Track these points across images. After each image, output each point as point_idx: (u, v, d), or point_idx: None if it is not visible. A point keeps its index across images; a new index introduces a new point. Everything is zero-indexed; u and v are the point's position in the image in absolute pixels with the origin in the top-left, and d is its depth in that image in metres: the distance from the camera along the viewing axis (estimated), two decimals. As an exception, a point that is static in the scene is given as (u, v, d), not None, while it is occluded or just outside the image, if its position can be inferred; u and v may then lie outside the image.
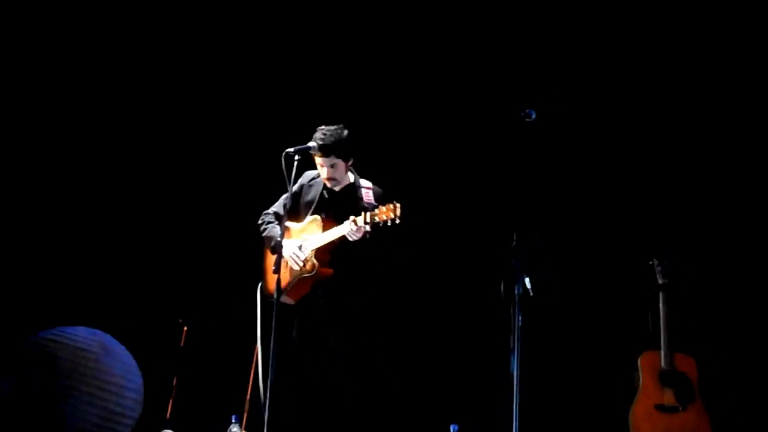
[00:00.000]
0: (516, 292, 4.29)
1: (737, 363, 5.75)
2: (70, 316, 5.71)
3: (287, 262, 4.86)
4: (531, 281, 4.32)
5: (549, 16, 6.18)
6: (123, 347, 5.54)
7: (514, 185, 5.60)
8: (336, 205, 4.97)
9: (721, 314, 5.82)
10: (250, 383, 5.30)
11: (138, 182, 6.39)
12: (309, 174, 5.09)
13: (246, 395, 5.36)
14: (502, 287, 4.37)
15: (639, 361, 5.42)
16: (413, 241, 5.62)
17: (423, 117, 6.27)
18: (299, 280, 4.89)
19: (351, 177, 5.04)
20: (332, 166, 4.91)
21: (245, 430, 5.19)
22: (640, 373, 5.39)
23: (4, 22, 6.20)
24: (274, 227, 5.01)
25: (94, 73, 6.38)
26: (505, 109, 5.28)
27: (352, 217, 4.71)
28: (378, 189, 5.06)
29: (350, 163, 5.00)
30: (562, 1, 6.19)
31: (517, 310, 4.25)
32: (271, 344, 4.42)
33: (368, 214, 4.66)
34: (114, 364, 5.42)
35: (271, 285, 4.92)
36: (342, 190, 5.01)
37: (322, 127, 4.93)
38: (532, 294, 4.29)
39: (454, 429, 4.97)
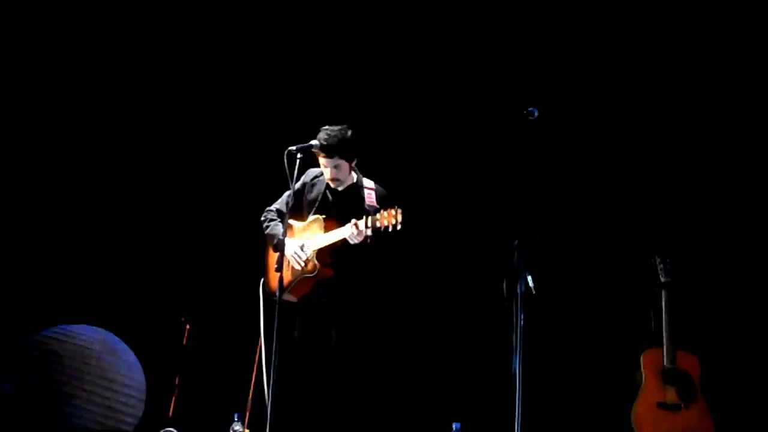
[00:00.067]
0: (518, 290, 4.29)
1: (739, 361, 5.74)
2: (72, 314, 5.72)
3: (289, 261, 4.86)
4: (533, 279, 4.32)
5: (549, 16, 6.18)
6: (125, 345, 5.55)
7: (516, 184, 5.60)
8: (338, 205, 4.97)
9: (723, 312, 5.82)
10: (253, 381, 5.30)
11: (140, 181, 6.39)
12: (312, 172, 5.07)
13: (248, 393, 5.36)
14: (504, 285, 4.37)
15: (641, 359, 5.42)
16: (413, 241, 5.62)
17: (423, 116, 6.26)
18: (300, 279, 4.89)
19: (354, 176, 5.03)
20: (336, 166, 4.90)
21: (248, 428, 5.19)
22: (643, 371, 5.39)
23: (4, 22, 6.20)
24: (277, 225, 5.01)
25: (97, 73, 6.37)
26: (505, 108, 5.29)
27: (353, 221, 4.70)
28: (381, 189, 5.05)
29: (354, 163, 5.00)
30: (563, 1, 6.18)
31: (519, 309, 4.25)
32: (274, 342, 4.42)
33: (370, 218, 4.65)
34: (116, 362, 5.44)
35: (273, 282, 4.92)
36: (345, 189, 5.00)
37: (326, 127, 4.91)
38: (534, 292, 4.29)
39: (456, 427, 4.96)
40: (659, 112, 6.07)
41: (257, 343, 5.05)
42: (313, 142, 4.79)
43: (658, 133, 6.06)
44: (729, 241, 5.90)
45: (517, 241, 4.38)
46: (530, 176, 5.61)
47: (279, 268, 4.57)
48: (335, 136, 4.85)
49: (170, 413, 5.81)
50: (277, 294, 4.54)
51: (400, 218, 4.56)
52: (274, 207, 5.14)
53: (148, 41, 6.40)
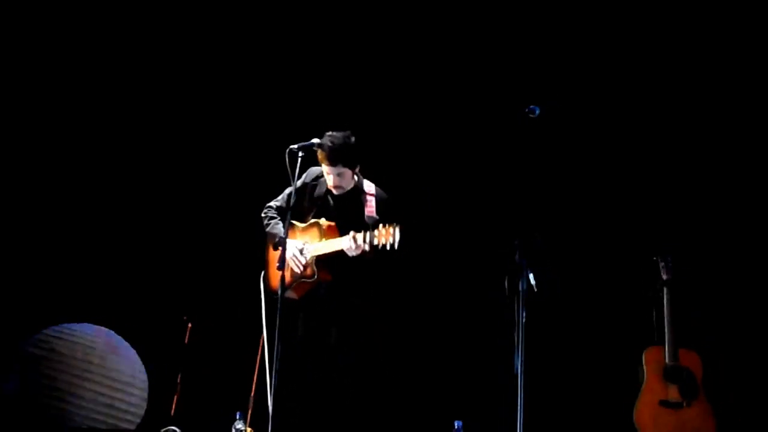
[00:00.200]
0: (520, 288, 4.28)
1: (741, 358, 5.74)
2: (75, 313, 5.73)
3: (288, 263, 4.85)
4: (534, 277, 4.32)
5: (551, 15, 6.17)
6: (128, 344, 5.56)
7: (518, 183, 5.60)
8: (338, 210, 4.95)
9: (724, 310, 5.82)
10: (255, 380, 5.30)
11: (142, 180, 6.39)
12: (313, 171, 5.05)
13: (250, 392, 5.37)
14: (506, 284, 4.36)
15: (643, 356, 5.42)
16: (414, 240, 5.62)
17: (423, 115, 6.26)
18: (299, 282, 4.89)
19: (355, 179, 5.01)
20: (339, 174, 4.88)
21: (250, 426, 5.19)
22: (645, 369, 5.39)
23: (4, 22, 6.20)
24: (277, 224, 5.01)
25: (100, 74, 6.38)
26: (506, 107, 5.29)
27: (352, 233, 4.68)
28: (381, 193, 5.03)
29: (357, 169, 4.99)
30: (565, 1, 6.19)
31: (521, 307, 4.24)
32: (276, 341, 4.41)
33: (368, 234, 4.63)
34: (119, 361, 5.44)
35: (274, 280, 4.93)
36: (345, 194, 4.99)
37: (330, 133, 4.87)
38: (536, 290, 4.29)
39: (458, 425, 4.97)
40: (660, 111, 6.07)
41: (259, 342, 5.05)
42: (315, 140, 4.77)
43: (660, 132, 6.06)
44: (731, 239, 5.90)
45: (518, 240, 4.38)
46: (532, 175, 5.61)
47: (281, 267, 4.57)
48: (339, 143, 4.82)
49: (172, 412, 5.80)
50: (279, 293, 4.54)
51: (397, 237, 4.54)
52: (273, 204, 5.13)
53: (149, 41, 6.41)
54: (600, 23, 6.12)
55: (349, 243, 4.68)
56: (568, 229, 5.97)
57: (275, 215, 5.07)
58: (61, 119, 6.34)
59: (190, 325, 6.00)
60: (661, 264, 5.57)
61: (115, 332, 5.58)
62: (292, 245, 4.86)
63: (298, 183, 4.90)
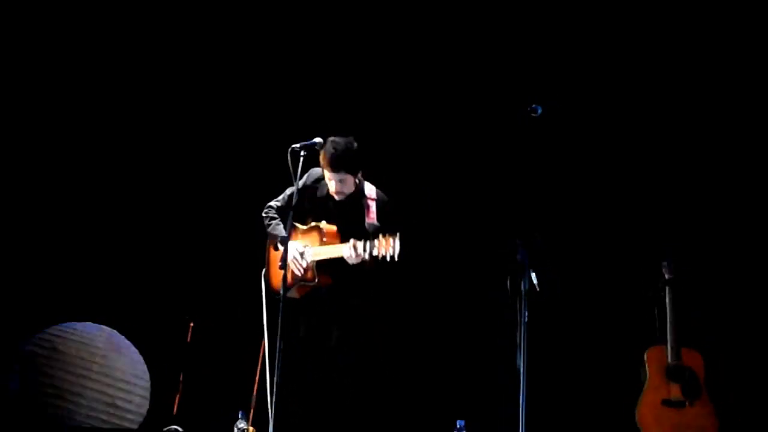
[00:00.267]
0: (522, 287, 4.28)
1: (744, 358, 5.74)
2: (77, 312, 5.73)
3: (290, 265, 4.85)
4: (537, 277, 4.32)
5: (553, 14, 6.17)
6: (130, 343, 5.56)
7: (520, 183, 5.60)
8: (339, 214, 4.94)
9: (727, 309, 5.81)
10: (257, 379, 5.30)
11: (143, 180, 6.39)
12: (314, 173, 5.02)
13: (252, 391, 5.37)
14: (508, 283, 4.36)
15: (645, 355, 5.42)
16: (414, 240, 5.62)
17: (424, 115, 6.26)
18: (300, 285, 4.90)
19: (357, 182, 5.00)
20: (341, 180, 4.87)
21: (252, 426, 5.19)
22: (647, 368, 5.39)
23: (4, 22, 6.21)
24: (278, 224, 5.00)
25: (104, 74, 6.38)
26: (508, 106, 5.29)
27: (352, 241, 4.67)
28: (382, 195, 5.02)
29: (359, 174, 4.99)
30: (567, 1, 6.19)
31: (523, 306, 4.24)
32: (278, 342, 4.41)
33: (368, 243, 4.63)
34: (121, 360, 5.45)
35: (274, 279, 4.94)
36: (347, 198, 4.97)
37: (334, 138, 4.86)
38: (538, 290, 4.29)
39: (460, 425, 4.97)
40: (663, 110, 6.07)
41: (261, 341, 5.05)
42: (317, 139, 4.77)
43: (662, 132, 6.05)
44: (733, 238, 5.90)
45: (520, 240, 4.37)
46: (534, 175, 5.61)
47: (283, 266, 4.57)
48: (342, 150, 4.81)
49: (174, 411, 5.81)
50: (281, 292, 4.54)
51: (397, 248, 4.54)
52: (274, 204, 5.13)
53: (151, 41, 6.41)
54: (603, 23, 6.12)
55: (349, 251, 4.67)
56: (570, 229, 5.97)
57: (275, 216, 5.07)
58: (64, 120, 6.34)
59: (192, 324, 6.01)
60: (664, 263, 5.57)
61: (118, 331, 5.59)
62: (293, 247, 4.85)
63: (300, 183, 4.90)
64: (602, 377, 5.78)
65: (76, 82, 6.35)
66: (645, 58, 6.08)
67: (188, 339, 6.00)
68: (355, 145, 4.87)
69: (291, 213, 4.74)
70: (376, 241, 4.60)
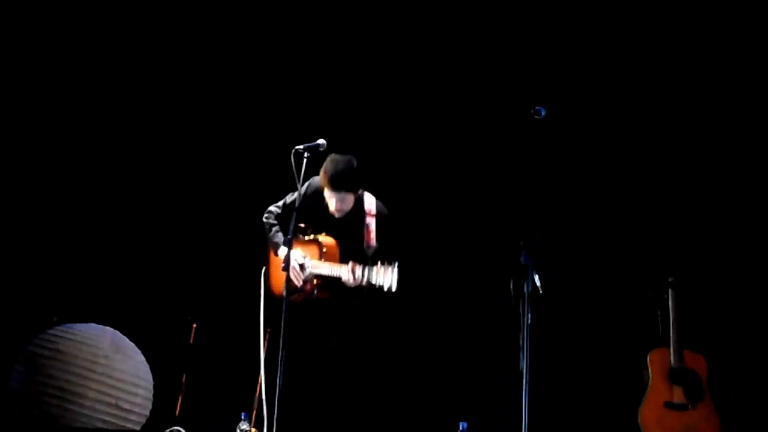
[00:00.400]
0: (525, 289, 4.28)
1: (747, 361, 5.73)
2: (80, 313, 5.73)
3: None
4: (540, 279, 4.32)
5: (554, 14, 6.17)
6: (133, 345, 5.55)
7: (522, 184, 5.60)
8: (338, 229, 4.97)
9: (730, 312, 5.81)
10: (260, 380, 5.30)
11: (146, 181, 6.40)
12: (315, 183, 5.00)
13: (255, 392, 5.37)
14: (511, 285, 4.36)
15: (648, 358, 5.41)
16: (414, 240, 5.63)
17: (426, 116, 6.26)
18: (298, 294, 4.91)
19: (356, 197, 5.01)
20: (342, 199, 4.89)
21: (254, 427, 5.20)
22: (650, 371, 5.39)
23: (4, 22, 6.21)
24: (278, 232, 5.03)
25: (107, 74, 6.39)
26: (511, 107, 5.29)
27: (351, 264, 4.72)
28: (382, 209, 5.03)
29: (359, 192, 4.98)
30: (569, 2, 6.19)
31: (526, 308, 4.24)
32: (280, 343, 4.42)
33: (366, 269, 4.68)
34: (124, 361, 5.44)
35: (275, 283, 4.95)
36: (347, 215, 4.97)
37: (334, 157, 4.86)
38: (541, 292, 4.29)
39: (463, 427, 4.96)
40: (664, 112, 6.06)
41: (265, 342, 5.07)
42: (320, 141, 4.76)
43: (664, 133, 6.05)
44: (736, 241, 5.90)
45: (523, 241, 4.38)
46: (536, 176, 5.61)
47: (286, 267, 4.57)
48: (343, 169, 4.81)
49: (177, 412, 5.82)
50: (284, 293, 4.55)
51: (395, 280, 4.59)
52: (274, 209, 5.14)
53: (154, 42, 6.41)
54: (604, 24, 6.12)
55: (347, 275, 4.72)
56: (573, 230, 5.97)
57: (275, 222, 5.08)
58: (67, 121, 6.35)
59: (195, 325, 6.01)
60: (667, 266, 5.56)
61: (121, 332, 5.58)
62: (294, 257, 4.85)
63: (302, 189, 4.89)
64: (605, 379, 5.77)
65: (80, 83, 6.35)
66: (646, 60, 6.08)
67: (191, 340, 6.00)
68: (356, 163, 4.87)
69: (294, 213, 4.74)
70: (374, 270, 4.64)
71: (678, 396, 5.34)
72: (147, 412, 5.46)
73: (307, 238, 5.01)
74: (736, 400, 5.55)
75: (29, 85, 6.27)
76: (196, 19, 6.42)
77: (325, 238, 4.94)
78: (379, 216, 4.99)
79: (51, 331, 5.41)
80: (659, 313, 5.54)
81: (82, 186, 6.32)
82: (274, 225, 5.08)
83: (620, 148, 6.06)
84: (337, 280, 4.81)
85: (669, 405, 5.33)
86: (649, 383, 5.37)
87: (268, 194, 5.28)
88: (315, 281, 4.88)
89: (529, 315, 4.23)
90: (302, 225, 5.01)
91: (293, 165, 4.64)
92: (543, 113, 4.47)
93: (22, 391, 5.25)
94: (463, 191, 6.16)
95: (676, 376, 5.36)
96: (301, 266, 4.88)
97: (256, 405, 5.32)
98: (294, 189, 4.89)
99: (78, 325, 5.52)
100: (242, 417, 5.06)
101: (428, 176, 6.20)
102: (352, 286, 4.74)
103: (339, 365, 4.91)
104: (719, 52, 6.00)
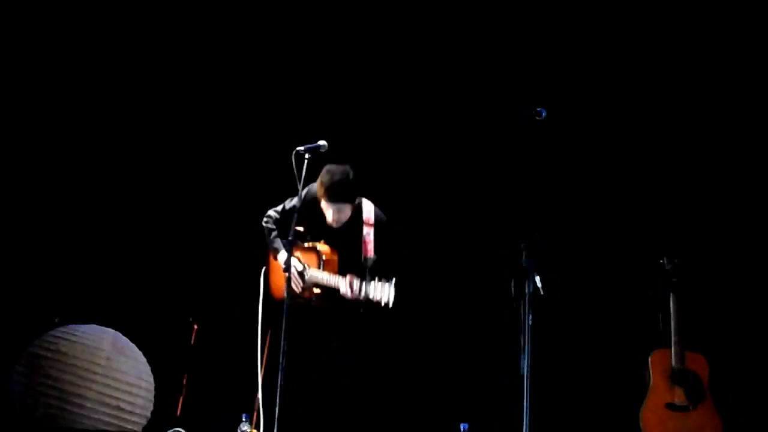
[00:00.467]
0: (527, 291, 4.28)
1: (748, 362, 5.73)
2: (81, 314, 5.73)
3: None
4: (541, 280, 4.32)
5: (555, 15, 6.17)
6: (134, 346, 5.54)
7: (524, 185, 5.60)
8: (336, 238, 4.98)
9: (732, 313, 5.81)
10: (260, 382, 5.30)
11: (148, 182, 6.40)
12: (314, 190, 4.99)
13: (256, 393, 5.37)
14: (512, 286, 4.36)
15: (649, 359, 5.41)
16: (414, 242, 5.63)
17: (427, 116, 6.26)
18: (297, 299, 4.93)
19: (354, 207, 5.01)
20: (338, 210, 4.90)
21: (255, 428, 5.19)
22: (651, 372, 5.38)
23: (4, 22, 6.22)
24: (277, 237, 5.04)
25: (109, 75, 6.39)
26: (512, 108, 5.29)
27: (349, 278, 4.76)
28: (380, 216, 5.04)
29: (356, 201, 4.98)
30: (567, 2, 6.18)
31: (527, 309, 4.24)
32: (282, 345, 4.42)
33: (363, 284, 4.71)
34: (125, 362, 5.44)
35: (275, 286, 4.96)
36: (344, 225, 4.98)
37: (330, 168, 4.87)
38: (542, 293, 4.29)
39: (464, 428, 4.96)
40: (666, 112, 6.06)
41: (264, 343, 5.07)
42: (321, 142, 4.75)
43: (665, 134, 6.05)
44: (738, 242, 5.90)
45: (524, 242, 4.38)
46: (538, 176, 5.61)
47: (287, 269, 4.57)
48: (338, 181, 4.82)
49: (178, 413, 5.82)
50: (286, 294, 4.55)
51: (392, 297, 4.63)
52: (273, 214, 5.14)
53: (155, 44, 6.41)
54: (605, 25, 6.12)
55: (345, 288, 4.75)
56: (574, 231, 5.96)
57: (274, 227, 5.10)
58: (69, 123, 6.35)
59: (195, 326, 6.01)
60: (668, 267, 5.57)
61: (121, 333, 5.58)
62: (294, 263, 4.85)
63: (303, 192, 4.89)
64: (606, 381, 5.77)
65: (82, 84, 6.36)
66: (645, 60, 6.08)
67: (192, 341, 6.00)
68: (351, 174, 4.87)
69: (295, 215, 4.73)
70: (371, 285, 4.67)
71: (679, 397, 5.34)
72: (148, 414, 5.45)
73: (306, 245, 5.02)
74: (738, 402, 5.55)
75: (32, 88, 6.27)
76: (197, 21, 6.42)
77: (323, 247, 4.97)
78: (377, 224, 5.00)
79: (52, 333, 5.40)
80: (660, 314, 5.54)
81: (84, 188, 6.32)
82: (273, 230, 5.09)
83: (621, 150, 6.06)
84: (335, 291, 4.84)
85: (670, 406, 5.33)
86: (651, 384, 5.37)
87: (269, 196, 5.28)
88: (314, 290, 4.90)
89: (531, 316, 4.23)
90: (301, 229, 5.01)
91: (294, 166, 4.63)
92: (544, 114, 4.48)
93: (23, 392, 5.25)
94: (464, 192, 6.16)
95: (677, 377, 5.36)
96: (300, 273, 4.90)
97: (257, 406, 5.32)
98: (295, 190, 4.87)
99: (79, 326, 5.51)
100: (243, 418, 5.06)
101: (429, 177, 6.20)
102: (350, 298, 4.76)
103: (339, 366, 4.92)
104: (717, 54, 6.00)
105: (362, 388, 5.02)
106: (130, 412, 5.39)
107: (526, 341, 4.21)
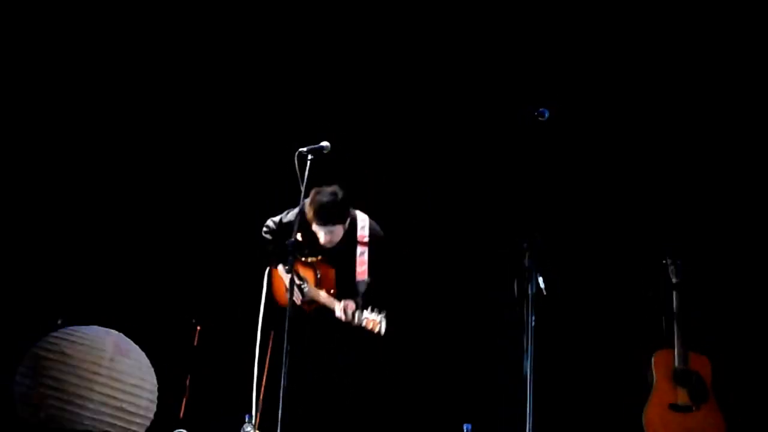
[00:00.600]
0: (529, 291, 4.28)
1: (751, 362, 5.73)
2: (84, 315, 5.74)
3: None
4: (543, 280, 4.32)
5: (557, 15, 6.17)
6: (137, 347, 5.55)
7: (526, 185, 5.59)
8: (332, 256, 5.02)
9: (735, 313, 5.80)
10: (263, 382, 5.30)
11: (150, 184, 6.40)
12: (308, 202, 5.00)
13: (259, 394, 5.37)
14: (515, 286, 4.36)
15: (652, 360, 5.41)
16: (415, 241, 5.63)
17: (427, 117, 6.26)
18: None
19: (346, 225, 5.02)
20: (330, 231, 4.91)
21: (258, 429, 5.19)
22: (654, 372, 5.39)
23: (4, 22, 6.22)
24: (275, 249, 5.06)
25: (110, 76, 6.39)
26: (514, 109, 5.29)
27: (344, 303, 4.83)
28: (375, 230, 5.06)
29: (347, 222, 4.99)
30: (570, 2, 6.18)
31: (530, 310, 4.24)
32: (284, 346, 4.42)
33: (356, 313, 4.79)
34: (128, 363, 5.44)
35: (278, 291, 4.97)
36: (338, 243, 5.00)
37: (318, 190, 4.88)
38: (545, 293, 4.29)
39: (467, 428, 4.96)
40: (668, 112, 6.06)
41: (267, 344, 5.08)
42: (324, 143, 4.76)
43: (666, 135, 6.05)
44: (741, 242, 5.89)
45: (527, 243, 4.38)
46: (540, 177, 5.61)
47: (290, 270, 4.58)
48: (327, 203, 4.84)
49: (181, 414, 5.82)
50: (288, 295, 4.55)
51: (383, 329, 4.70)
52: (271, 225, 5.16)
53: (157, 45, 6.42)
54: (607, 25, 6.12)
55: (339, 313, 4.82)
56: (576, 231, 5.96)
57: (271, 239, 5.13)
58: (71, 124, 6.36)
59: (198, 327, 6.01)
60: (671, 267, 5.57)
61: (124, 335, 5.58)
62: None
63: (291, 217, 4.91)
64: (609, 381, 5.77)
65: (87, 89, 6.36)
66: (648, 60, 6.08)
67: (195, 342, 6.00)
68: (340, 195, 4.88)
69: (298, 217, 4.74)
70: (365, 316, 4.74)
71: (682, 397, 5.33)
72: (151, 415, 5.45)
73: (304, 259, 5.04)
74: (741, 402, 5.54)
75: (35, 90, 6.28)
76: (199, 22, 6.43)
77: (320, 264, 4.99)
78: (372, 241, 4.99)
79: (55, 334, 5.40)
80: (664, 315, 5.54)
81: (86, 189, 6.33)
82: (270, 242, 5.12)
83: (623, 150, 6.06)
84: (331, 310, 4.89)
85: (673, 407, 5.33)
86: (654, 385, 5.37)
87: (272, 197, 5.30)
88: (312, 305, 4.94)
89: (533, 317, 4.23)
90: (301, 240, 5.01)
91: (297, 168, 4.63)
92: (546, 115, 4.48)
93: (26, 393, 5.25)
94: (467, 192, 6.16)
95: (680, 377, 5.36)
96: (299, 287, 4.93)
97: (260, 407, 5.32)
98: (297, 191, 4.88)
99: (82, 327, 5.51)
100: (246, 419, 5.06)
101: (430, 177, 6.20)
102: (344, 321, 4.83)
103: (340, 366, 4.93)
104: (718, 54, 6.00)
105: (364, 388, 5.03)
106: (133, 414, 5.39)
107: (529, 342, 4.21)
